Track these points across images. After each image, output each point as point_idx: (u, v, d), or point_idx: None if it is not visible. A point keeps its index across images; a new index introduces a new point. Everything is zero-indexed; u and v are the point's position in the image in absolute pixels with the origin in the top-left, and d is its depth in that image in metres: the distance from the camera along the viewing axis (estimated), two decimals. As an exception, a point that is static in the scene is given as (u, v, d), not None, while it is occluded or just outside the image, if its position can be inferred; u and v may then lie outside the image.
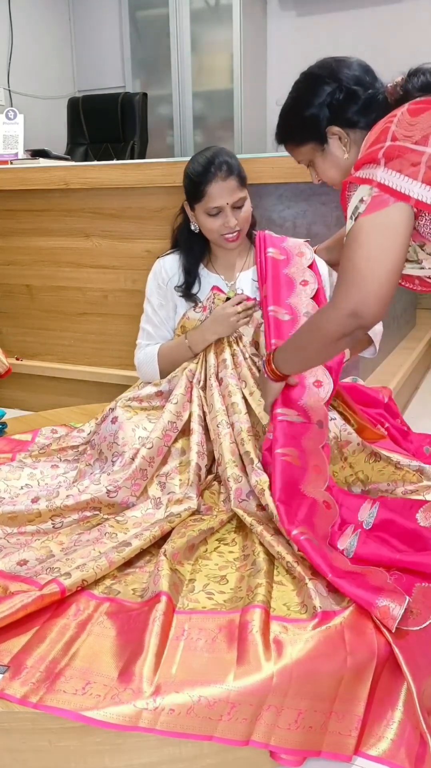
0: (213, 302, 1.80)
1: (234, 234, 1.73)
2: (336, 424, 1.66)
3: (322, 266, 1.82)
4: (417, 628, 1.14)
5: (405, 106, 1.19)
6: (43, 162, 2.63)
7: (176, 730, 0.98)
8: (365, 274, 1.16)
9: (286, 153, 1.42)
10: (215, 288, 1.81)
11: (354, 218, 1.20)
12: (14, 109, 2.67)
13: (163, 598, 1.17)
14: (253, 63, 4.27)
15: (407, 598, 1.16)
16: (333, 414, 1.68)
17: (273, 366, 1.47)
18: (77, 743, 1.00)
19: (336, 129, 1.31)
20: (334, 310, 1.21)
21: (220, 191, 1.68)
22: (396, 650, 1.08)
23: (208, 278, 1.84)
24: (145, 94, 3.64)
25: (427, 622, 1.15)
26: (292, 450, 1.48)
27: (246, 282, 1.83)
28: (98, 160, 3.66)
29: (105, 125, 3.68)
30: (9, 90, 4.12)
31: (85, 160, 3.72)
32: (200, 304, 1.82)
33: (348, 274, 1.19)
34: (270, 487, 1.43)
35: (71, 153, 3.71)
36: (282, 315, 1.70)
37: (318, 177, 1.41)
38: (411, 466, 1.65)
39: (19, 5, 4.11)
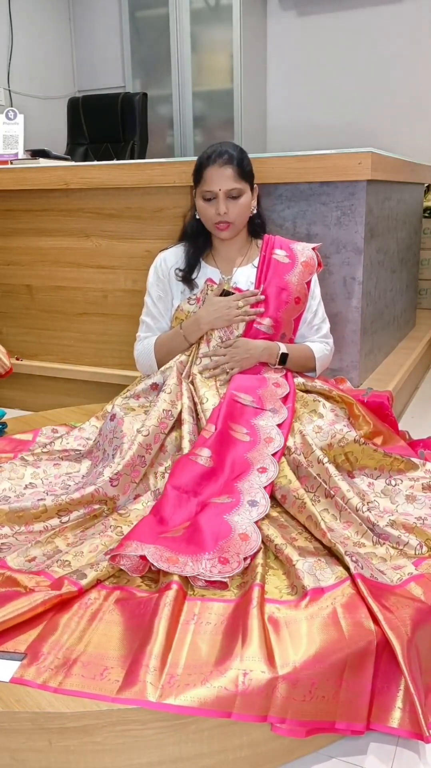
0: (206, 294, 1.84)
1: (225, 223, 1.77)
2: (326, 420, 1.69)
3: (314, 284, 1.88)
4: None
5: None
6: (43, 162, 2.63)
7: (194, 706, 1.00)
8: None
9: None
10: (209, 280, 1.86)
11: None
12: (14, 109, 2.67)
13: (174, 587, 1.21)
14: (253, 63, 4.27)
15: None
16: (328, 413, 1.71)
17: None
18: (77, 743, 1.00)
19: None
20: None
21: (215, 176, 1.75)
22: (384, 623, 1.11)
23: (205, 270, 1.88)
24: (145, 94, 3.64)
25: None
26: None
27: (242, 278, 1.85)
28: (98, 160, 3.66)
29: (105, 125, 3.68)
30: (9, 90, 4.12)
31: (85, 160, 3.71)
32: (194, 296, 1.86)
33: None
34: None
35: (71, 153, 3.71)
36: (267, 328, 1.81)
37: None
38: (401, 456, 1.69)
39: (19, 5, 4.11)
